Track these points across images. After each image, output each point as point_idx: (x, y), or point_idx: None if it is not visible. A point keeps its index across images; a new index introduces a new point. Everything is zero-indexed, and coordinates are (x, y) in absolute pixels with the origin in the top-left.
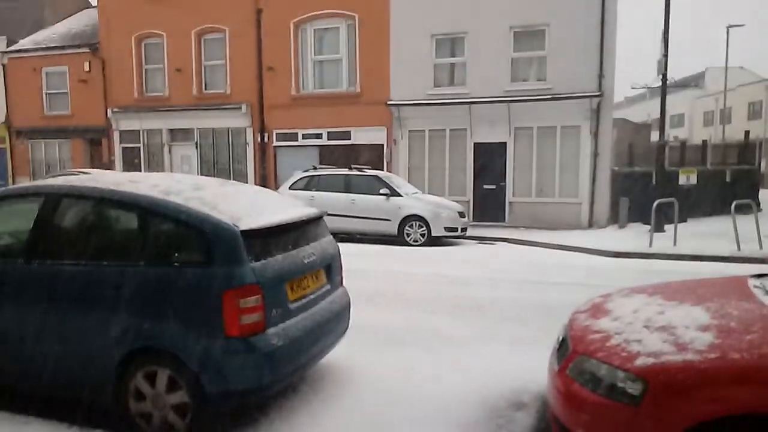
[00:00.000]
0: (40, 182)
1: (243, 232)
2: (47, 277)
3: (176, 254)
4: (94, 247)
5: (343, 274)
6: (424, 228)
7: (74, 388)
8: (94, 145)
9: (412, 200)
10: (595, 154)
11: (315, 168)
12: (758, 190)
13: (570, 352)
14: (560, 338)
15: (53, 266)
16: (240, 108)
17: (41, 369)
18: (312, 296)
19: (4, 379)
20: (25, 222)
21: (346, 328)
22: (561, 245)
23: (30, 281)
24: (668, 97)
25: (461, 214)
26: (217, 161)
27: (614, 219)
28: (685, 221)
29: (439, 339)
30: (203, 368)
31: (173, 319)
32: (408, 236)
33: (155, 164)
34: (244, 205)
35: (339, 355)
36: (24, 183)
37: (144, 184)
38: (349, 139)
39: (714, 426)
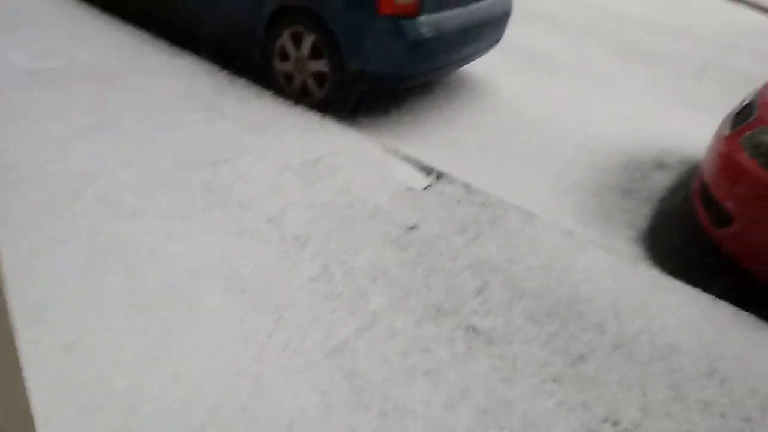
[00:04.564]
0: None
1: None
2: None
3: None
4: None
5: None
6: None
7: (225, 34)
8: None
9: None
10: None
11: None
12: None
13: (753, 119)
14: (744, 103)
15: None
16: None
17: (196, 6)
18: None
19: (158, 8)
20: None
21: (499, 39)
22: None
23: None
24: None
25: None
26: None
27: None
28: None
29: (595, 78)
30: (347, 41)
31: None
32: None
33: None
34: None
35: (482, 66)
36: None
37: None
38: None
39: None
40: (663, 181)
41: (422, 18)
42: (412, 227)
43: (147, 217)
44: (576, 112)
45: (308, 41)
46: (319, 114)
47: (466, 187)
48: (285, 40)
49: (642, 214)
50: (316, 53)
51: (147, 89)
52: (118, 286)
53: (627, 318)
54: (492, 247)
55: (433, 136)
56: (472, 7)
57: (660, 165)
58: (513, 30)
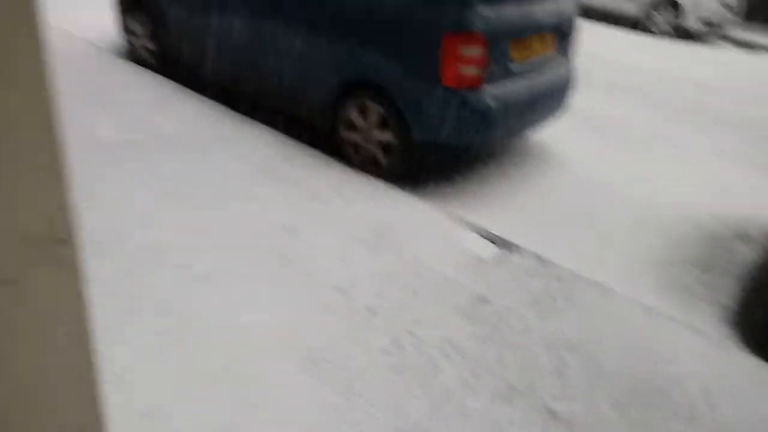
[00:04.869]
0: None
1: None
2: None
3: None
4: None
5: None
6: (676, 15)
7: (295, 106)
8: None
9: None
10: None
11: None
12: None
13: None
14: None
15: None
16: None
17: (271, 79)
18: (536, 61)
19: (235, 83)
20: None
21: (563, 108)
22: None
23: None
24: None
25: (728, 7)
26: None
27: None
28: None
29: (664, 144)
30: (412, 112)
31: (392, 56)
32: (653, 23)
33: None
34: None
35: (548, 133)
36: None
37: None
38: None
39: None
40: (746, 253)
41: (486, 89)
42: (482, 299)
43: (221, 285)
44: (646, 179)
45: (375, 112)
46: (385, 183)
47: (537, 258)
48: (352, 111)
49: (725, 290)
50: (382, 124)
51: (224, 159)
52: (193, 354)
53: (721, 405)
54: (567, 323)
55: (499, 204)
56: (536, 78)
57: (741, 236)
58: (578, 96)
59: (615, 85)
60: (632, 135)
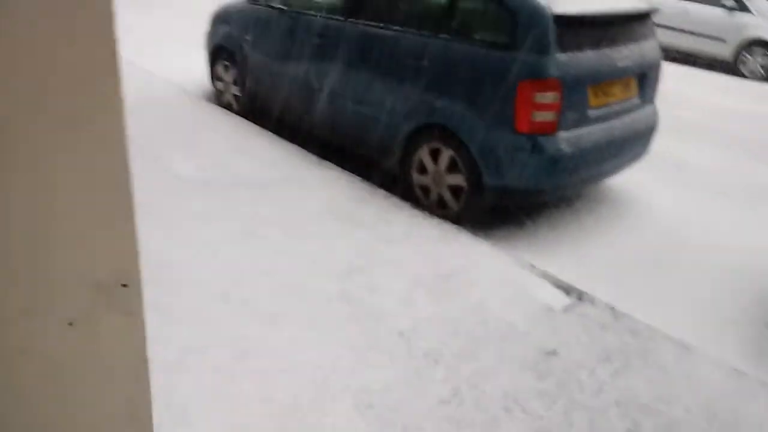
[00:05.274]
0: None
1: (556, 16)
2: (360, 37)
3: (480, 32)
4: (404, 11)
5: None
6: None
7: (368, 147)
8: None
9: (763, 20)
10: None
11: None
12: None
13: None
14: None
15: (365, 27)
16: None
17: (345, 122)
18: (616, 107)
19: (311, 125)
20: None
21: (644, 154)
22: None
23: (345, 38)
24: None
25: None
26: None
27: None
28: None
29: (751, 195)
30: (485, 157)
31: (465, 101)
32: (744, 65)
33: None
34: None
35: (628, 178)
36: None
37: None
38: None
39: None
40: None
41: (561, 134)
42: (550, 352)
43: (284, 323)
44: (731, 231)
45: (446, 156)
46: (454, 226)
47: (611, 310)
48: (423, 154)
49: None
50: (453, 167)
51: (294, 200)
52: (253, 392)
53: None
54: (642, 382)
55: (572, 251)
56: (615, 122)
57: None
58: (661, 141)
59: (701, 129)
60: (717, 182)
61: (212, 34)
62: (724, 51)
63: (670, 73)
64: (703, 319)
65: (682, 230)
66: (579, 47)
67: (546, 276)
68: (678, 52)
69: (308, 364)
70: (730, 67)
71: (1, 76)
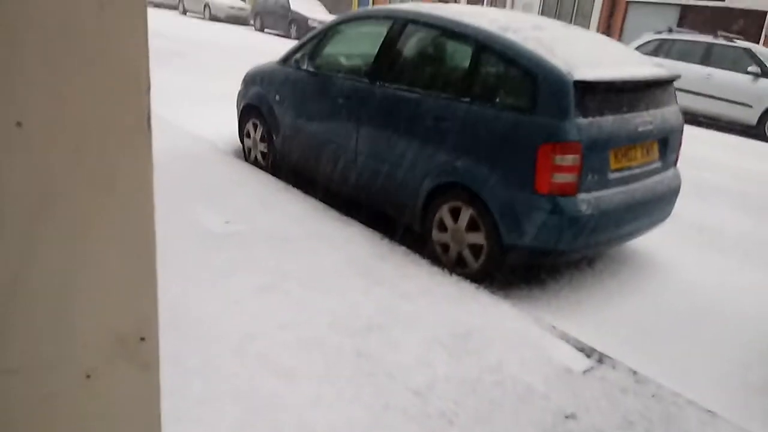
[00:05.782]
0: (391, 6)
1: (576, 82)
2: (385, 99)
3: (500, 95)
4: (427, 76)
5: (680, 155)
6: None
7: (389, 204)
8: None
9: None
10: None
11: (671, 31)
12: None
13: None
14: None
15: (390, 89)
16: None
17: (368, 179)
18: (637, 170)
19: (336, 182)
20: (372, 43)
21: (666, 216)
22: None
23: (371, 100)
24: None
25: None
26: (559, 13)
27: None
28: None
29: None
30: (504, 217)
31: (485, 162)
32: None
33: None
34: (584, 53)
35: (650, 241)
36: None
37: (484, 18)
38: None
39: None
40: None
41: (581, 196)
42: (569, 416)
43: (298, 379)
44: (756, 295)
45: (466, 215)
46: (473, 284)
47: (633, 374)
48: (443, 212)
49: None
50: (473, 226)
51: (315, 255)
52: None
53: None
54: None
55: (593, 313)
56: (636, 185)
57: None
58: (682, 202)
59: (724, 191)
60: (741, 245)
61: (243, 94)
62: (750, 116)
63: (695, 136)
64: (729, 385)
65: (705, 293)
66: (600, 112)
67: (566, 337)
68: (703, 116)
69: (322, 423)
70: (755, 131)
71: (42, 134)
